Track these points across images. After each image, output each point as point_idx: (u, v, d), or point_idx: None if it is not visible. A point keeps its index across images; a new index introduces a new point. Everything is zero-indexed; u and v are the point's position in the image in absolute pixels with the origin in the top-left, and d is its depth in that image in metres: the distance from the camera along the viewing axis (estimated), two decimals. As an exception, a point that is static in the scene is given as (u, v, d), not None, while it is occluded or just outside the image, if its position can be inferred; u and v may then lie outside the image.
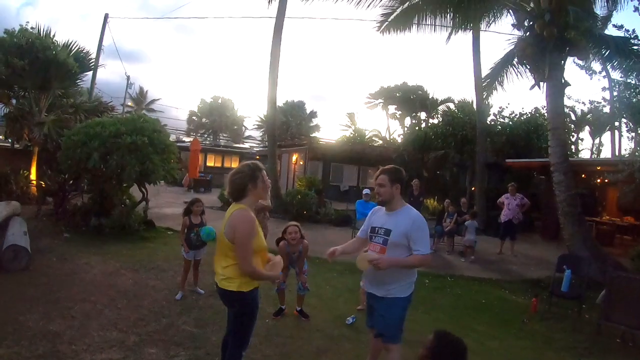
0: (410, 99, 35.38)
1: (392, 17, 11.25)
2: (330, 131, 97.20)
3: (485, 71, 14.86)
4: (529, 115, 19.62)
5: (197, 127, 51.36)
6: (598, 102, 27.30)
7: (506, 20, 11.67)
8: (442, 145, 19.13)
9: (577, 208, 8.82)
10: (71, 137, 9.59)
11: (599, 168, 14.44)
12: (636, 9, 9.67)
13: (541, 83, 9.26)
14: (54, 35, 12.81)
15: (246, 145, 44.59)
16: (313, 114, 49.27)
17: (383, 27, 11.50)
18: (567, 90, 9.74)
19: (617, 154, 25.66)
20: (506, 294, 7.68)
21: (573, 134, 27.79)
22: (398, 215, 3.47)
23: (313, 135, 38.34)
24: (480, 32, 15.25)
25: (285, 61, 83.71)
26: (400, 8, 11.01)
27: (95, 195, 10.53)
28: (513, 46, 10.81)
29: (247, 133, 53.90)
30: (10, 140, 14.75)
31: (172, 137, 23.68)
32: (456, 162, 18.92)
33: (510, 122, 19.62)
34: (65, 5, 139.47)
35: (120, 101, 30.81)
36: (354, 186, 22.78)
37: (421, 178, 15.38)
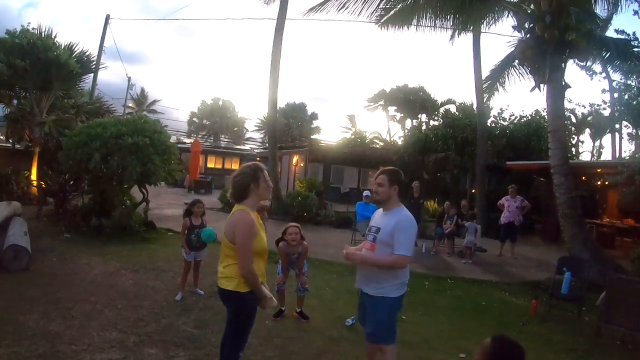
0: (411, 101, 35.39)
1: (392, 12, 11.24)
2: (331, 133, 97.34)
3: (485, 73, 14.88)
4: (529, 117, 19.68)
5: (198, 129, 51.39)
6: (598, 105, 27.43)
7: (507, 22, 11.65)
8: (443, 147, 19.15)
9: (577, 210, 8.81)
10: (72, 138, 9.61)
11: (599, 170, 14.46)
12: (636, 12, 9.69)
13: (541, 85, 9.27)
14: (55, 36, 12.89)
15: (247, 147, 44.58)
16: (314, 116, 49.30)
17: (383, 20, 11.48)
18: (568, 93, 9.76)
19: (617, 156, 25.71)
20: (506, 296, 7.68)
21: (574, 136, 27.80)
22: (390, 215, 3.52)
23: (314, 137, 38.34)
24: (481, 33, 15.27)
25: (286, 63, 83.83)
26: (401, 5, 11.00)
27: (95, 196, 10.54)
28: (513, 48, 10.81)
29: (247, 135, 53.98)
30: (11, 141, 14.76)
31: (173, 139, 23.72)
32: (456, 164, 18.94)
33: (511, 125, 19.68)
34: (66, 6, 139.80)
35: (122, 102, 30.88)
36: (355, 188, 22.80)
37: (422, 180, 15.36)
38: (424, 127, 31.68)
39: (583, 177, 15.11)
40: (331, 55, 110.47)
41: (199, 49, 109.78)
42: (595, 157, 34.26)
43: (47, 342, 4.15)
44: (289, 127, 43.58)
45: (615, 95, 19.47)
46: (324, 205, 15.84)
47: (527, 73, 11.42)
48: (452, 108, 28.86)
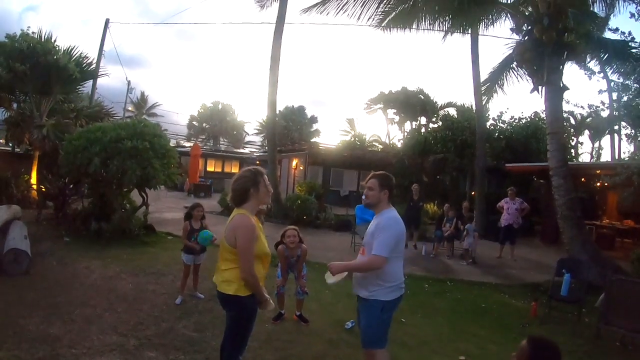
0: (410, 104, 35.41)
1: (392, 15, 11.26)
2: (330, 136, 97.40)
3: (484, 75, 14.92)
4: (529, 119, 19.71)
5: (198, 132, 51.39)
6: (597, 106, 27.49)
7: (505, 25, 11.68)
8: (442, 149, 19.16)
9: (577, 212, 8.82)
10: (72, 142, 9.63)
11: (598, 172, 14.46)
12: (632, 15, 9.70)
13: (540, 87, 9.29)
14: (55, 40, 12.88)
15: (246, 151, 44.55)
16: (313, 119, 49.27)
17: (384, 24, 11.50)
18: (566, 95, 9.77)
19: (617, 157, 25.74)
20: (506, 298, 7.69)
21: (573, 138, 27.82)
22: (377, 218, 3.57)
23: (313, 140, 38.32)
24: (479, 36, 15.30)
25: (285, 66, 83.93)
26: (400, 8, 11.03)
27: (95, 200, 10.55)
28: (512, 50, 10.83)
29: (247, 138, 53.91)
30: (11, 145, 14.76)
31: (173, 142, 23.76)
32: (456, 166, 18.92)
33: (510, 127, 19.70)
34: (66, 10, 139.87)
35: (121, 106, 30.91)
36: (354, 191, 22.78)
37: (421, 183, 15.39)
38: (423, 130, 31.68)
39: (582, 179, 15.12)
40: (330, 59, 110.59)
41: (199, 52, 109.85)
42: (595, 159, 34.31)
43: (47, 346, 4.16)
44: (289, 130, 43.53)
45: (614, 95, 19.55)
46: (323, 209, 15.84)
47: (525, 75, 11.45)
48: (452, 111, 28.94)
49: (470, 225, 10.65)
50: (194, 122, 51.83)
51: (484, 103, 15.98)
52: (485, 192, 15.98)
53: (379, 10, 11.39)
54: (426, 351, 5.00)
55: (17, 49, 11.74)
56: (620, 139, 28.42)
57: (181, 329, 4.95)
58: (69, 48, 13.12)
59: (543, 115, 17.91)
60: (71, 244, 8.84)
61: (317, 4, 12.63)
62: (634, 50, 10.36)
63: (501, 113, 20.90)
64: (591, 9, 9.93)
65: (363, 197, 3.73)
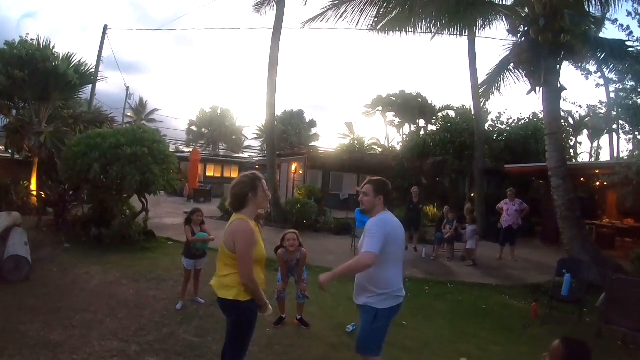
0: (408, 107, 35.51)
1: (388, 18, 11.28)
2: (329, 140, 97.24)
3: (482, 77, 14.97)
4: (527, 120, 19.75)
5: (197, 137, 51.44)
6: (595, 106, 27.52)
7: (502, 26, 11.70)
8: (441, 152, 19.19)
9: (576, 212, 8.82)
10: (72, 148, 9.66)
11: (597, 171, 14.47)
12: (629, 14, 9.73)
13: (537, 88, 9.30)
14: (53, 47, 12.94)
15: (245, 155, 44.63)
16: (312, 123, 49.34)
17: (379, 26, 11.52)
18: (564, 94, 9.78)
19: (616, 156, 25.77)
20: (507, 300, 7.68)
21: (571, 137, 27.85)
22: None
23: (312, 144, 38.39)
24: (476, 38, 15.35)
25: (283, 71, 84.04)
26: (397, 11, 11.06)
27: (95, 206, 10.56)
28: (509, 52, 10.87)
29: (246, 143, 54.00)
30: (10, 151, 14.78)
31: (172, 148, 23.76)
32: (455, 168, 18.95)
33: (509, 128, 19.74)
34: (65, 17, 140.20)
35: (120, 112, 30.91)
36: (354, 194, 22.75)
37: (420, 185, 15.38)
38: (422, 133, 31.74)
39: (582, 179, 15.12)
40: (328, 63, 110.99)
41: (197, 58, 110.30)
42: (594, 158, 34.36)
43: (48, 352, 4.17)
44: (288, 134, 43.58)
45: (612, 94, 19.58)
46: (323, 212, 15.83)
47: (522, 76, 11.47)
48: (450, 113, 28.98)
49: (472, 226, 10.66)
50: (193, 127, 51.90)
51: (482, 105, 16.03)
52: (484, 194, 16.00)
53: (377, 14, 11.42)
54: (427, 353, 4.99)
55: (16, 56, 11.78)
56: (618, 138, 28.51)
57: (182, 334, 4.95)
58: (67, 54, 13.19)
59: (542, 116, 18.00)
60: (71, 250, 8.85)
61: (316, 16, 12.66)
62: (630, 49, 10.38)
63: (500, 114, 20.97)
64: (587, 9, 9.96)
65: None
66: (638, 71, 11.42)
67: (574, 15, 8.98)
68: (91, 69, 14.44)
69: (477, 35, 13.37)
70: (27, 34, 13.07)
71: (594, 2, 9.96)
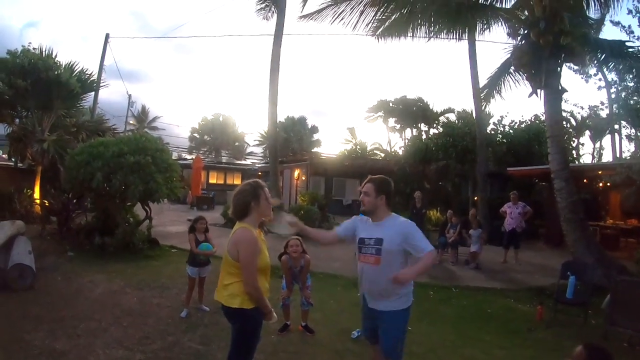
0: (410, 111, 35.44)
1: (387, 22, 11.30)
2: (331, 146, 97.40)
3: (483, 80, 14.98)
4: (529, 122, 19.74)
5: (199, 145, 51.49)
6: (596, 107, 27.50)
7: (502, 29, 11.73)
8: (443, 156, 19.16)
9: (579, 214, 8.81)
10: (74, 157, 9.68)
11: (600, 172, 14.45)
12: (630, 12, 9.75)
13: (539, 91, 9.31)
14: (56, 56, 13.02)
15: (248, 162, 44.56)
16: (314, 129, 49.35)
17: (379, 32, 11.54)
18: (566, 95, 9.79)
19: (618, 156, 25.72)
20: (511, 303, 7.64)
21: (574, 139, 27.83)
22: (386, 224, 3.43)
23: (314, 150, 38.40)
24: (476, 41, 15.39)
25: (284, 77, 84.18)
26: (396, 15, 11.07)
27: (98, 214, 10.59)
28: (509, 55, 10.89)
29: (248, 149, 54.00)
30: (13, 160, 14.82)
31: (174, 155, 23.81)
32: (458, 172, 18.93)
33: (511, 131, 19.74)
34: (67, 26, 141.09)
35: (123, 120, 31.05)
36: (357, 200, 22.69)
37: (423, 190, 15.35)
38: (423, 137, 31.72)
39: (584, 180, 15.11)
40: (329, 69, 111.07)
41: (199, 66, 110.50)
42: (596, 159, 34.25)
43: (53, 361, 4.16)
44: (290, 141, 43.59)
45: (613, 94, 19.61)
46: (326, 218, 15.82)
47: (523, 79, 11.47)
48: (452, 117, 28.97)
49: (477, 231, 10.63)
50: (195, 135, 51.99)
51: (483, 108, 16.03)
52: (487, 197, 15.99)
53: (376, 18, 11.44)
54: (433, 358, 4.98)
55: (19, 65, 11.84)
56: (620, 139, 28.44)
57: (187, 342, 4.94)
58: (70, 63, 13.24)
59: (543, 118, 17.99)
60: (75, 258, 8.87)
61: (314, 12, 12.68)
62: (630, 50, 10.40)
63: (501, 117, 20.94)
64: (586, 10, 9.98)
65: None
66: (639, 70, 11.44)
67: (574, 17, 8.99)
68: (93, 77, 14.50)
69: (477, 39, 13.43)
70: (30, 43, 13.13)
71: (593, 4, 9.97)
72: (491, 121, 20.86)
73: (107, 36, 20.80)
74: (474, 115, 17.69)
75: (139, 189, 9.20)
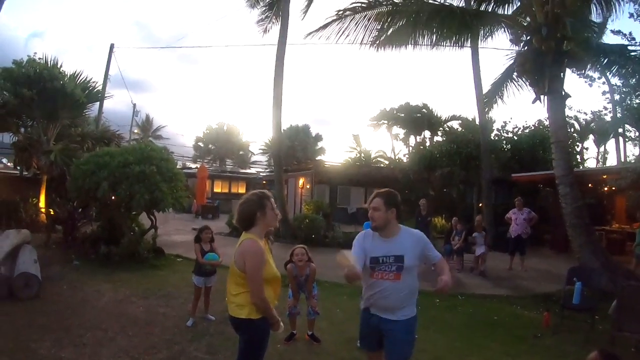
0: (414, 119, 35.46)
1: (389, 32, 11.27)
2: (336, 154, 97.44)
3: (486, 87, 14.99)
4: (533, 128, 19.72)
5: (204, 154, 51.59)
6: (600, 111, 27.49)
7: (504, 35, 11.74)
8: (448, 163, 19.14)
9: (585, 219, 8.76)
10: (80, 167, 9.74)
11: (604, 177, 14.38)
12: (631, 15, 9.76)
13: (542, 97, 9.31)
14: (61, 66, 13.14)
15: (252, 171, 44.68)
16: (318, 138, 49.40)
17: (379, 42, 11.51)
18: (570, 102, 9.80)
19: (622, 160, 25.66)
20: (518, 310, 7.60)
21: (578, 143, 27.76)
22: (402, 239, 3.35)
23: (319, 158, 38.43)
24: (479, 48, 15.39)
25: (288, 86, 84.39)
26: (398, 25, 11.06)
27: (104, 223, 10.63)
28: (512, 61, 10.90)
29: (253, 158, 54.07)
30: (19, 169, 14.92)
31: (179, 164, 23.87)
32: (462, 179, 18.89)
33: (515, 137, 19.70)
34: (72, 36, 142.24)
35: (127, 129, 31.16)
36: (362, 208, 22.72)
37: (428, 197, 15.31)
38: (427, 144, 31.73)
39: (589, 185, 15.03)
40: (333, 77, 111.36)
41: (203, 75, 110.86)
42: (601, 163, 34.11)
43: (59, 370, 4.17)
44: (294, 149, 43.62)
45: (617, 97, 19.59)
46: (331, 227, 15.80)
47: (526, 85, 11.48)
48: (456, 124, 28.98)
49: (480, 234, 10.61)
50: (200, 144, 52.10)
51: (487, 114, 16.01)
52: (492, 204, 15.93)
53: (380, 29, 11.40)
54: (439, 366, 4.95)
55: (24, 75, 11.96)
56: (625, 142, 28.37)
57: (193, 351, 4.94)
58: (75, 73, 13.36)
59: (547, 123, 17.98)
60: (81, 267, 8.90)
61: (319, 28, 12.64)
62: (633, 53, 10.40)
63: (505, 123, 20.91)
64: (588, 15, 9.99)
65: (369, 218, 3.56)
66: None
67: (576, 22, 9.00)
68: (98, 87, 14.61)
69: (480, 46, 13.43)
70: (35, 53, 13.25)
71: (595, 8, 9.99)
72: (495, 127, 20.87)
73: (112, 46, 21.00)
74: (478, 121, 17.67)
75: (144, 198, 9.23)
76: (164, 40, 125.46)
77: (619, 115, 22.43)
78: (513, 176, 16.16)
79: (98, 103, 16.93)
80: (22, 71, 12.04)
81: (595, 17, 10.44)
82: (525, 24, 10.14)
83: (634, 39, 11.10)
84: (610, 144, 34.37)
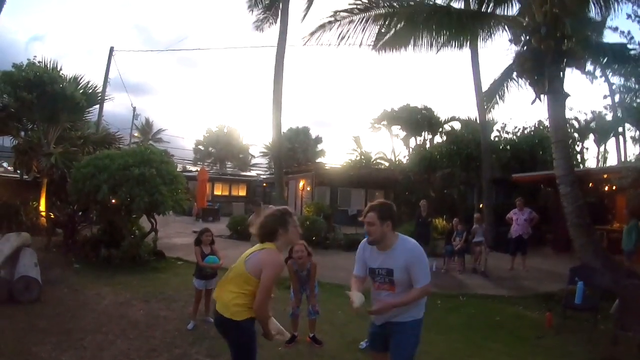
0: (414, 120, 35.42)
1: (388, 35, 11.25)
2: (336, 156, 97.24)
3: (486, 87, 14.96)
4: (533, 128, 19.73)
5: (204, 156, 51.58)
6: (600, 111, 27.51)
7: (504, 36, 11.70)
8: (448, 164, 19.13)
9: (586, 219, 8.74)
10: (80, 170, 9.72)
11: (605, 176, 14.36)
12: (629, 16, 9.77)
13: (542, 96, 9.30)
14: (61, 69, 13.10)
15: (253, 173, 44.61)
16: (318, 140, 49.35)
17: (379, 45, 11.49)
18: (569, 102, 9.78)
19: (623, 160, 25.65)
20: (520, 310, 7.58)
21: (578, 143, 27.75)
22: (395, 253, 3.30)
23: (319, 160, 38.43)
24: (478, 49, 15.38)
25: (288, 89, 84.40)
26: (398, 27, 11.04)
27: (104, 227, 10.61)
28: (512, 61, 10.88)
29: (253, 161, 54.05)
30: (19, 172, 14.90)
31: (179, 167, 23.88)
32: (463, 180, 18.88)
33: (514, 137, 19.70)
34: (72, 40, 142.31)
35: (127, 132, 31.16)
36: (362, 210, 22.71)
37: (428, 198, 15.29)
38: (428, 145, 31.71)
39: (590, 184, 15.00)
40: (332, 79, 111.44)
41: (202, 78, 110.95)
42: (601, 163, 34.07)
43: (60, 374, 4.15)
44: (294, 151, 43.60)
45: (617, 98, 19.60)
46: (332, 229, 15.78)
47: (526, 85, 11.45)
48: (456, 125, 28.98)
49: (479, 225, 10.67)
50: (200, 147, 52.06)
51: (487, 115, 16.00)
52: (493, 204, 15.90)
53: (379, 32, 11.37)
54: (442, 367, 4.93)
55: (24, 78, 11.92)
56: (625, 142, 28.37)
57: (194, 354, 4.92)
58: (75, 76, 13.34)
59: (547, 124, 17.98)
60: (81, 270, 8.89)
61: (316, 29, 12.60)
62: (632, 52, 10.39)
63: (504, 124, 20.93)
64: (587, 14, 9.98)
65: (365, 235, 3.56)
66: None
67: (574, 22, 8.98)
68: (98, 89, 14.60)
69: (480, 46, 13.41)
70: (35, 56, 13.18)
71: (594, 7, 9.97)
72: (495, 128, 20.86)
73: (111, 49, 21.00)
74: (478, 122, 17.66)
75: (144, 200, 9.21)
76: (164, 44, 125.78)
77: (619, 114, 22.42)
78: (513, 176, 16.14)
79: (98, 106, 16.90)
80: (22, 74, 12.00)
81: (594, 14, 10.43)
82: (524, 24, 10.12)
83: (632, 37, 11.09)
84: (611, 143, 34.40)
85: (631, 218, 10.15)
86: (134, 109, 31.58)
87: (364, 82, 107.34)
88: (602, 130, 32.02)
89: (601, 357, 5.01)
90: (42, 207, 13.00)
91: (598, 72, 14.86)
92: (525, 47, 9.67)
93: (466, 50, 14.55)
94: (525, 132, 19.75)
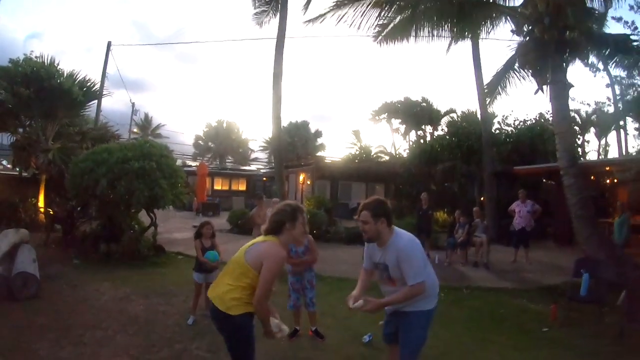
0: (414, 113, 35.35)
1: (390, 26, 11.18)
2: (336, 149, 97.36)
3: (487, 79, 14.83)
4: (534, 121, 19.67)
5: (203, 151, 51.57)
6: (602, 102, 27.45)
7: (506, 27, 11.61)
8: (449, 156, 19.07)
9: (590, 211, 8.66)
10: (78, 164, 9.64)
11: (607, 168, 14.30)
12: (631, 8, 9.64)
13: (545, 87, 9.21)
14: (58, 64, 12.97)
15: (253, 168, 44.63)
16: (318, 134, 49.42)
17: (381, 36, 11.42)
18: (571, 93, 9.69)
19: (624, 153, 25.62)
20: (524, 303, 7.51)
21: (579, 136, 27.73)
22: (389, 250, 3.31)
23: (319, 154, 38.38)
24: (480, 40, 15.26)
25: (287, 83, 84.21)
26: (399, 17, 10.96)
27: (103, 222, 10.54)
28: (514, 52, 10.77)
29: (253, 155, 54.03)
30: (18, 169, 14.84)
31: (179, 162, 23.79)
32: (464, 172, 18.80)
33: (515, 130, 19.64)
34: (70, 37, 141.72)
35: (126, 128, 31.08)
36: (363, 203, 22.68)
37: (429, 191, 15.24)
38: (428, 138, 31.64)
39: (592, 177, 14.95)
40: (331, 73, 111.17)
41: (201, 73, 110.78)
42: (602, 156, 34.07)
43: (58, 371, 4.09)
44: (294, 145, 43.61)
45: (617, 91, 19.53)
46: (333, 222, 15.74)
47: (528, 76, 11.35)
48: (455, 117, 28.86)
49: (478, 220, 10.64)
50: (200, 142, 52.08)
51: (488, 108, 15.91)
52: (494, 197, 15.84)
53: (378, 23, 11.30)
54: (446, 361, 4.87)
55: (21, 74, 11.83)
56: (626, 134, 28.31)
57: (194, 350, 4.86)
58: (71, 71, 13.22)
59: (548, 116, 17.93)
60: (80, 266, 8.84)
61: (317, 17, 12.55)
62: (635, 44, 10.28)
63: (505, 117, 20.85)
64: (589, 4, 9.87)
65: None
66: None
67: (577, 12, 8.87)
68: (96, 85, 14.49)
69: (481, 37, 13.30)
70: (32, 51, 13.09)
71: (596, -3, 9.86)
72: (496, 120, 20.79)
73: (109, 44, 20.90)
74: (479, 114, 17.58)
75: (144, 194, 9.13)
76: (162, 40, 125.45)
77: (620, 107, 22.36)
78: (514, 169, 16.07)
79: (96, 102, 16.81)
80: (19, 70, 11.91)
81: (597, 4, 10.32)
82: (527, 14, 10.01)
83: (637, 28, 10.97)
84: (612, 136, 34.36)
85: (623, 211, 10.11)
86: (133, 104, 31.58)
87: (363, 76, 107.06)
88: (603, 123, 31.97)
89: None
90: (41, 203, 12.95)
91: (600, 65, 14.77)
92: (527, 38, 9.57)
93: (467, 43, 14.50)
94: (526, 124, 19.70)
